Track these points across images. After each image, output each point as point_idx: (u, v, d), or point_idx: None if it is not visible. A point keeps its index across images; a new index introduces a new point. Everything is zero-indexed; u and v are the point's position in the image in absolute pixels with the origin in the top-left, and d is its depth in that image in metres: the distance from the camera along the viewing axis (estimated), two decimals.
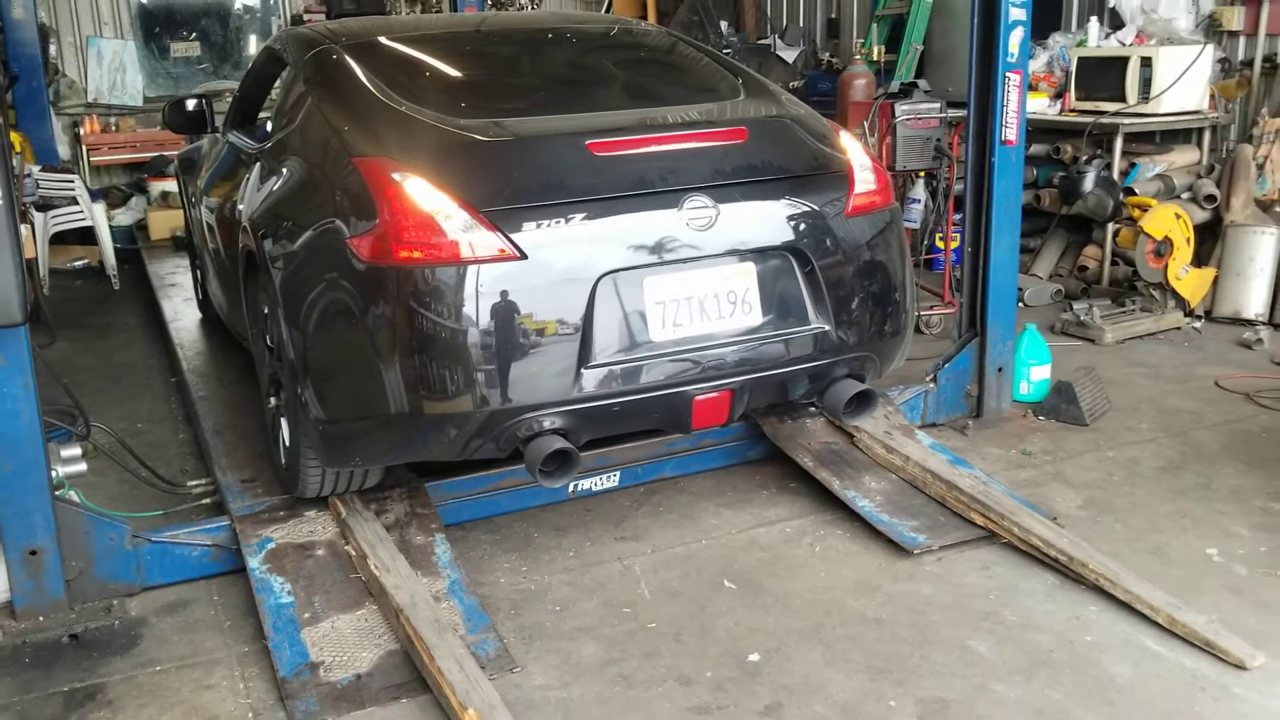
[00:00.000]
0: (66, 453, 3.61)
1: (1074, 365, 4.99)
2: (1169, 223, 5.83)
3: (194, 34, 10.11)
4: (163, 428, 4.99)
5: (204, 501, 4.02)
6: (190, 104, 4.91)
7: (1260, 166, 6.20)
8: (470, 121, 3.47)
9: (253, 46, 10.48)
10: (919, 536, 3.62)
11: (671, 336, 3.32)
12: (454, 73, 4.01)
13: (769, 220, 3.45)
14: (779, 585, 3.42)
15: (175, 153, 8.92)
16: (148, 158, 9.21)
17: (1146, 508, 3.89)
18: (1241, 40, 6.58)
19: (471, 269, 3.08)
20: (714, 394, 3.39)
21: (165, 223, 8.50)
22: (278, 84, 4.74)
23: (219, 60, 10.29)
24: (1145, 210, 5.97)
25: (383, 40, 4.13)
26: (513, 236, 3.12)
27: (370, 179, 3.21)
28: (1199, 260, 6.09)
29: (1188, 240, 5.88)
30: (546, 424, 3.23)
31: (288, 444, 3.68)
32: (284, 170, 3.73)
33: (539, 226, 3.16)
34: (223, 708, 2.94)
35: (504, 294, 3.11)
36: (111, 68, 9.58)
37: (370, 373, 3.18)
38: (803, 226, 3.49)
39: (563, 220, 3.20)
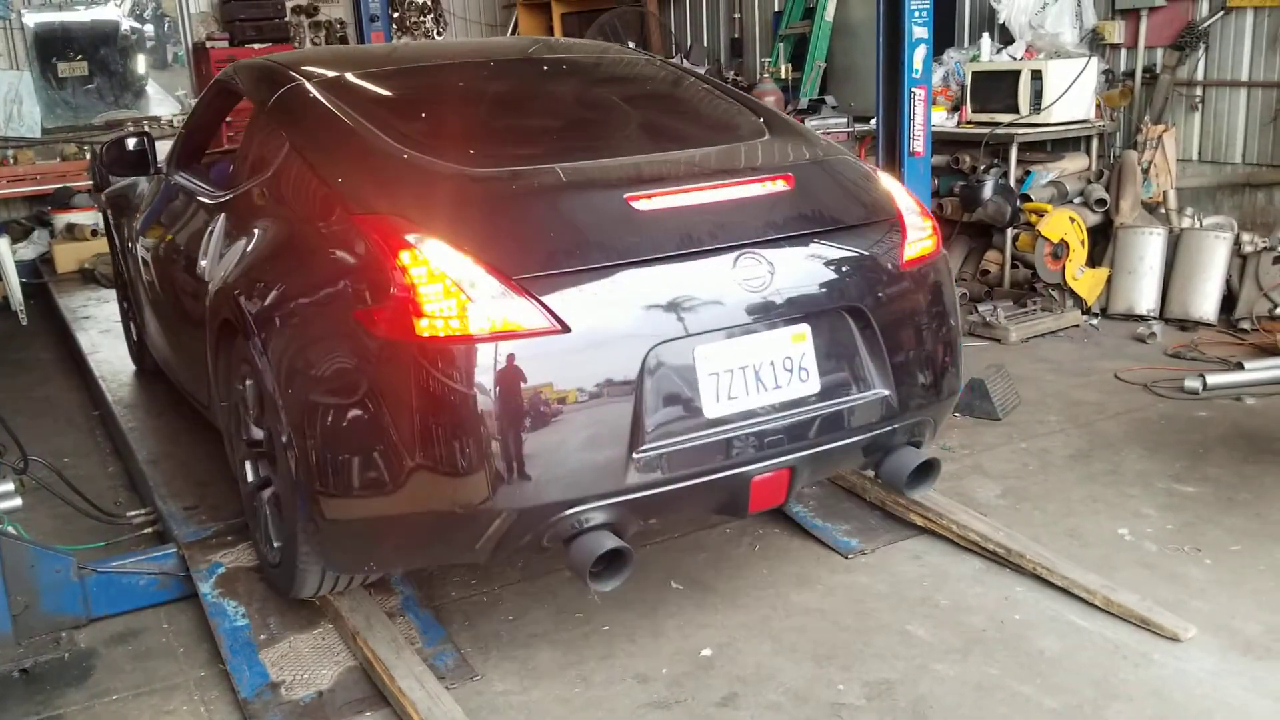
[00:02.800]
0: (0, 488, 3.56)
1: (984, 364, 5.24)
2: (1064, 226, 6.16)
3: (80, 55, 9.89)
4: (89, 461, 4.92)
5: (144, 531, 4.00)
6: (131, 143, 4.44)
7: (1145, 171, 6.58)
8: (485, 171, 3.08)
9: (143, 69, 10.32)
10: (852, 540, 3.76)
11: (726, 412, 2.92)
12: (453, 113, 3.63)
13: (825, 277, 3.09)
14: (724, 583, 3.56)
15: (79, 184, 8.80)
16: (50, 190, 9.00)
17: (1060, 494, 4.12)
18: (1123, 52, 6.99)
19: (506, 345, 2.67)
20: (772, 473, 3.02)
21: (72, 255, 8.34)
22: (248, 124, 4.24)
23: (119, 89, 10.12)
24: (1041, 215, 6.28)
25: (358, 75, 3.68)
26: (551, 306, 2.71)
27: (377, 241, 2.79)
28: (1093, 261, 6.44)
29: (1082, 242, 6.21)
30: (594, 519, 2.83)
31: (277, 538, 3.29)
32: (261, 227, 3.32)
33: (580, 293, 2.75)
34: None
35: (543, 373, 2.69)
36: (7, 99, 9.36)
37: (387, 466, 2.77)
38: (860, 283, 3.14)
39: (606, 286, 2.79)
